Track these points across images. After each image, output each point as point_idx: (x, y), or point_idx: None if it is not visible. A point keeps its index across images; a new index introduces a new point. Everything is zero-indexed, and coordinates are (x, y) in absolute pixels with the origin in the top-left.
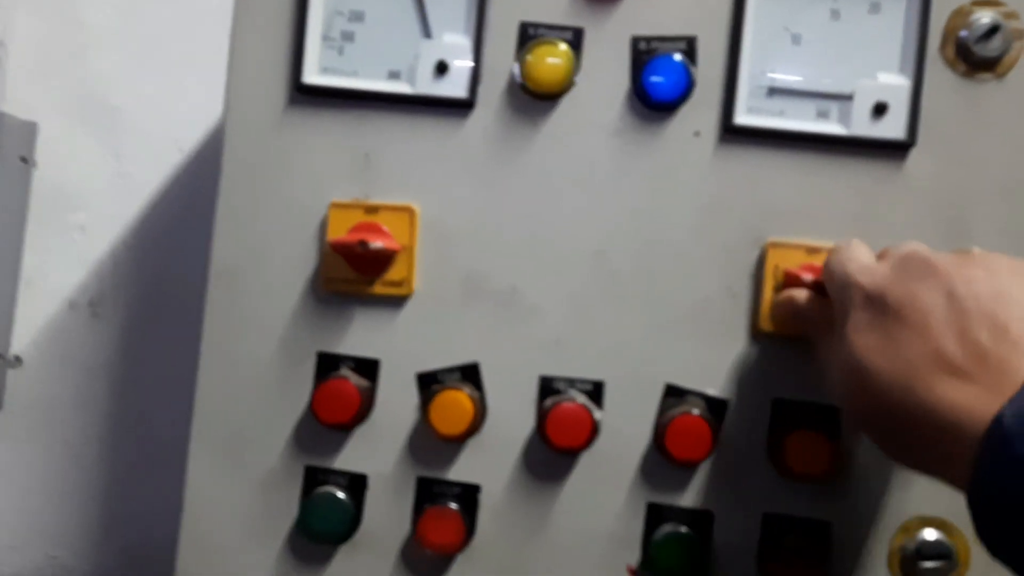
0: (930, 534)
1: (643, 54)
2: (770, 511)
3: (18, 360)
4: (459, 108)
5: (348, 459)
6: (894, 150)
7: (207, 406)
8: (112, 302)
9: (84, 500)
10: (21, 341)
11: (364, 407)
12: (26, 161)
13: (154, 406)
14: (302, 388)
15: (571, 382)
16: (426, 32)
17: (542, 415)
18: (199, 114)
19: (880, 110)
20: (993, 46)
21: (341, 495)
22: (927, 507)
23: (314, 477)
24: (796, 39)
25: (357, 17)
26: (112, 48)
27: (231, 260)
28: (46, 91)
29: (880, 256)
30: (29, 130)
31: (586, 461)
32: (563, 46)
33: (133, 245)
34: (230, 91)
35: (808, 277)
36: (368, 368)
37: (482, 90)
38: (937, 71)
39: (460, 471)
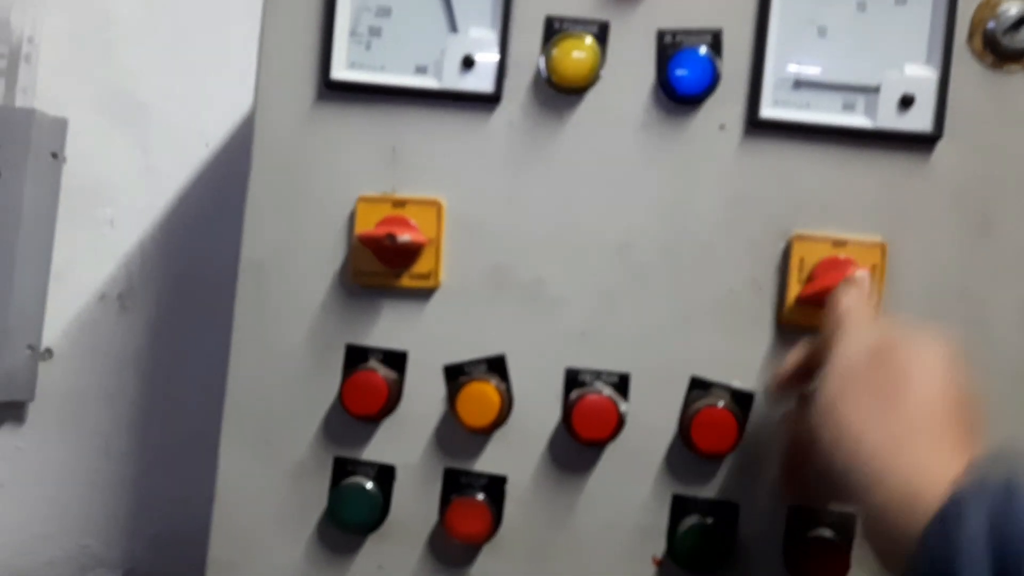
0: None
1: (668, 47)
2: (795, 503)
3: (49, 352)
4: (485, 102)
5: (376, 450)
6: (921, 143)
7: (238, 398)
8: (141, 295)
9: (114, 490)
10: (52, 334)
11: (392, 399)
12: (56, 157)
13: (183, 397)
14: (331, 380)
15: (597, 374)
16: (452, 27)
17: (568, 407)
18: (226, 109)
19: (907, 102)
20: (1021, 37)
21: (369, 486)
22: None
23: (343, 468)
24: (822, 31)
25: (384, 12)
26: (140, 44)
27: (261, 253)
28: (76, 87)
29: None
30: (59, 126)
31: (611, 453)
32: (588, 40)
33: (161, 239)
34: (260, 87)
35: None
36: (396, 360)
37: (508, 84)
38: (964, 63)
39: (487, 462)
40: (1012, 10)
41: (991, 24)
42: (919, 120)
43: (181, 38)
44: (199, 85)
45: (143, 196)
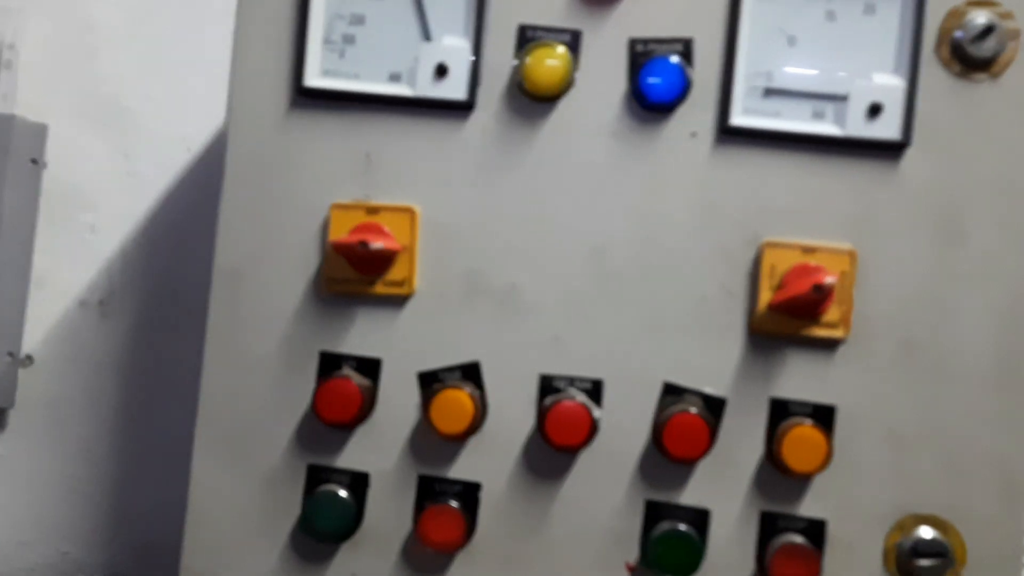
0: (926, 532)
1: (640, 56)
2: (767, 509)
3: (29, 359)
4: (459, 110)
5: (350, 457)
6: (889, 150)
7: (211, 405)
8: (121, 301)
9: (95, 496)
10: (32, 340)
11: (366, 406)
12: (36, 162)
13: (164, 403)
14: (304, 387)
15: (571, 380)
16: (426, 35)
17: (542, 413)
18: (207, 114)
19: (875, 111)
20: (988, 46)
21: (343, 493)
22: (922, 505)
23: (317, 475)
24: (792, 40)
25: (358, 20)
26: (121, 49)
27: (234, 261)
28: (56, 93)
29: None
30: (39, 132)
31: (585, 459)
32: (561, 48)
33: (142, 244)
34: (233, 95)
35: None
36: (370, 367)
37: (481, 92)
38: (932, 71)
39: (461, 469)
40: (979, 19)
41: (958, 33)
42: (888, 128)
43: (162, 43)
44: (180, 90)
45: (124, 201)
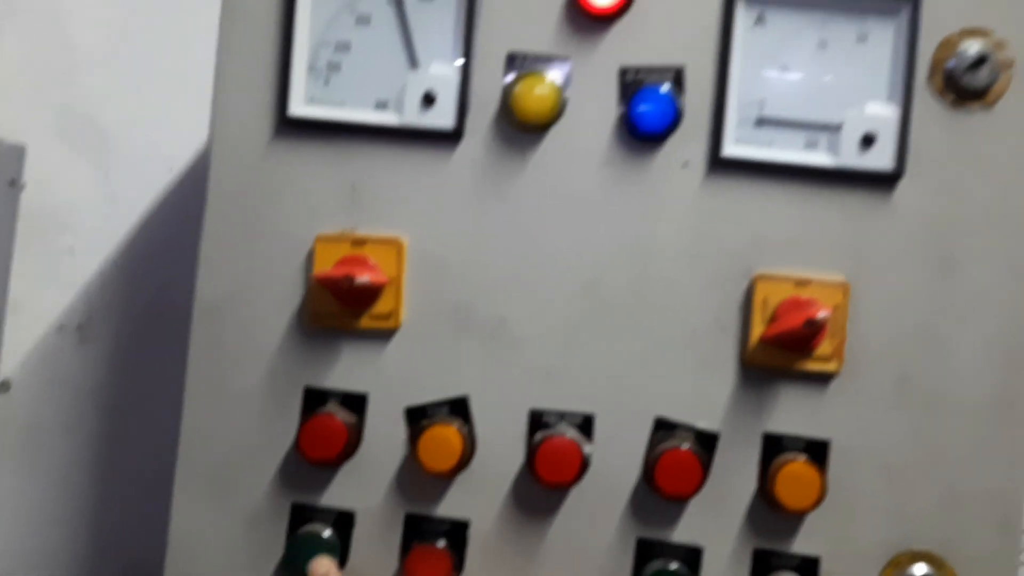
0: (920, 568)
1: (631, 84)
2: (760, 546)
3: (6, 385)
4: (447, 139)
5: (335, 496)
6: (882, 181)
7: (192, 442)
8: (101, 325)
9: (74, 524)
10: (9, 365)
11: (351, 443)
12: (14, 184)
13: (144, 430)
14: (288, 423)
15: (561, 415)
16: (413, 62)
17: (532, 450)
18: (189, 133)
19: (868, 141)
20: (981, 76)
21: (327, 534)
22: (917, 541)
23: (301, 514)
24: (784, 69)
25: (343, 47)
26: (101, 69)
27: (216, 294)
28: (34, 113)
29: None
30: (17, 153)
31: (576, 495)
32: (550, 77)
33: (122, 267)
34: (215, 123)
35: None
36: (355, 403)
37: (470, 121)
38: (925, 101)
39: (449, 507)
40: (971, 50)
41: (951, 63)
42: (881, 158)
43: (143, 63)
44: (161, 109)
45: (104, 223)
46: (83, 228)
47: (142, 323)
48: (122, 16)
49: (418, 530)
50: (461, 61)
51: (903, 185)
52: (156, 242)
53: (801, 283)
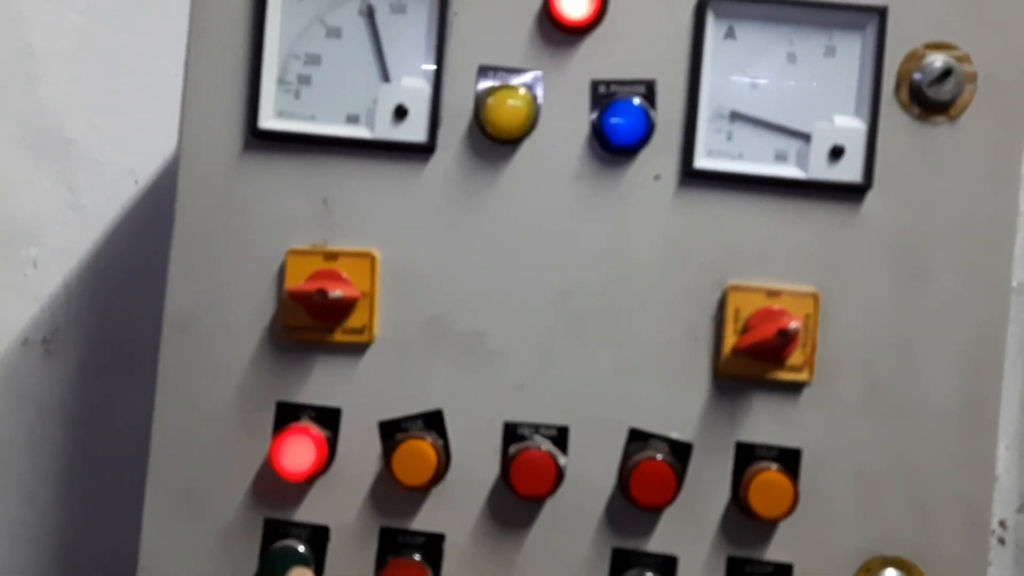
0: (891, 573)
1: (603, 98)
2: (734, 554)
3: None
4: (419, 152)
5: (309, 511)
6: (851, 193)
7: (162, 459)
8: (66, 339)
9: (40, 543)
10: None
11: (325, 457)
12: None
13: (112, 446)
14: (261, 438)
15: (535, 428)
16: (384, 76)
17: (507, 462)
18: (155, 144)
19: (837, 153)
20: (946, 89)
21: (301, 549)
22: (888, 546)
23: (274, 530)
24: (754, 82)
25: (314, 60)
26: (64, 78)
27: (186, 309)
28: None
29: None
30: None
31: (551, 507)
32: (523, 90)
33: (88, 279)
34: (183, 135)
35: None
36: (329, 417)
37: (442, 134)
38: (892, 114)
39: (424, 520)
40: (937, 63)
41: (917, 76)
42: (849, 170)
43: (108, 72)
44: (127, 119)
45: (69, 235)
46: (47, 240)
47: (109, 337)
48: (86, 23)
49: (393, 544)
50: (433, 73)
51: (871, 197)
52: (123, 254)
53: (773, 294)
